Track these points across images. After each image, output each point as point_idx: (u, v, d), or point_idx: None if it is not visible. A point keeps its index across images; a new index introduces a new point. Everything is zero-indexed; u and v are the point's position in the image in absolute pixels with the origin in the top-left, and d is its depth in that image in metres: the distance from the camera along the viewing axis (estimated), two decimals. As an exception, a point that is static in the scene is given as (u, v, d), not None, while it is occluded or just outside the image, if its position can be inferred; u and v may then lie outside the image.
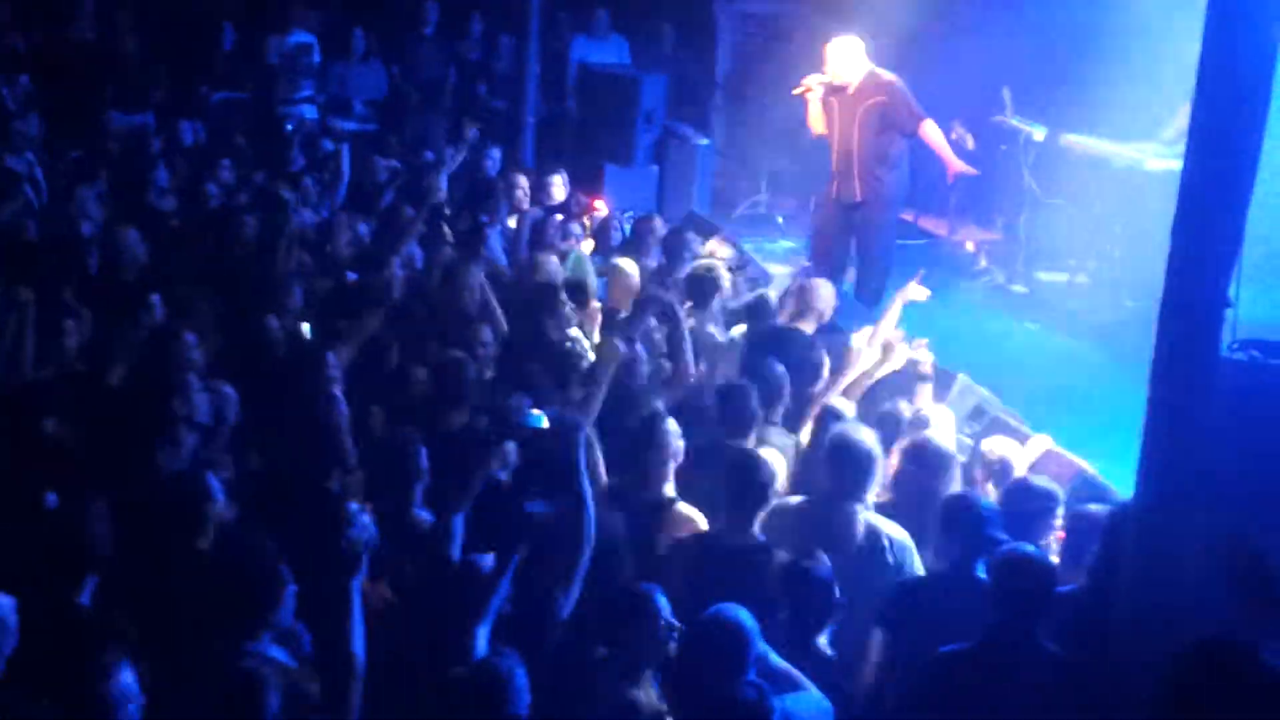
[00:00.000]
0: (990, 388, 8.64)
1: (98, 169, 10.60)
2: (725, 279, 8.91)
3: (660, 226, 10.45)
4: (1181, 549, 5.00)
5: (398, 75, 14.59)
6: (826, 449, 6.34)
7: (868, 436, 6.29)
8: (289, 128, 12.85)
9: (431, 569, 5.39)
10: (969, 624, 5.27)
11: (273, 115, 13.55)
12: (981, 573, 5.57)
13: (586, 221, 11.54)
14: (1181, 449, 5.04)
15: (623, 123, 13.11)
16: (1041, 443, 7.46)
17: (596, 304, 8.94)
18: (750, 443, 6.74)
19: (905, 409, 7.39)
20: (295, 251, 8.94)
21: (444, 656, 4.94)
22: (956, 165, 10.41)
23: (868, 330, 8.04)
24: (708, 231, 10.87)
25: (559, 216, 11.06)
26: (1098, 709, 5.01)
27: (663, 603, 5.11)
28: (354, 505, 5.30)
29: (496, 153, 12.54)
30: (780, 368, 7.28)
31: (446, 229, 10.12)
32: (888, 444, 6.87)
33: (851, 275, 10.44)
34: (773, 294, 9.19)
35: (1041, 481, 6.46)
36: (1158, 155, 10.49)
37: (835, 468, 6.20)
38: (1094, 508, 6.22)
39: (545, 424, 5.96)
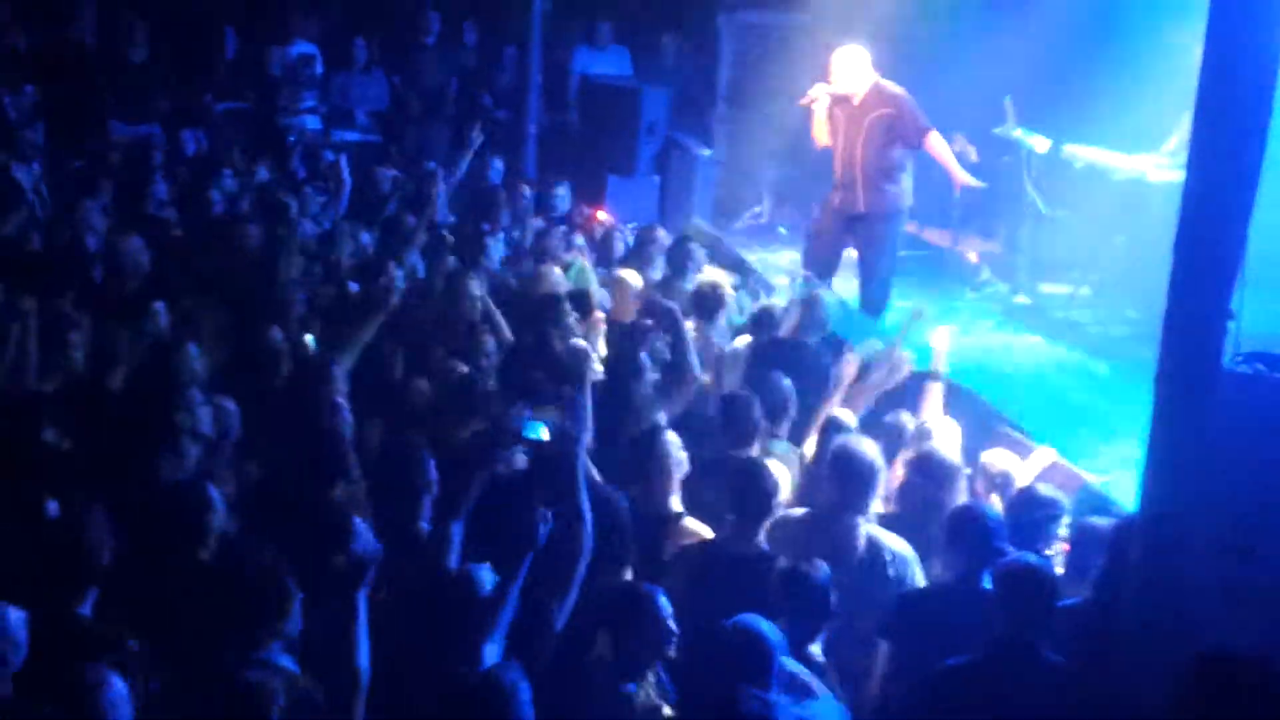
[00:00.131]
0: (993, 400, 8.63)
1: (101, 180, 10.61)
2: (730, 294, 8.92)
3: (663, 237, 10.46)
4: (1186, 561, 4.99)
5: (399, 85, 14.60)
6: (829, 461, 6.35)
7: (870, 448, 6.29)
8: (291, 139, 12.88)
9: (429, 578, 5.38)
10: (975, 635, 5.27)
11: (275, 126, 13.57)
12: (988, 584, 5.56)
13: (589, 231, 11.55)
14: (1185, 461, 5.04)
15: (625, 134, 13.14)
16: (1045, 455, 7.46)
17: (600, 314, 8.94)
18: (754, 454, 6.73)
19: (909, 420, 7.38)
20: (297, 261, 8.94)
21: (450, 670, 4.93)
22: (963, 178, 10.40)
23: (873, 342, 8.04)
24: (708, 243, 10.88)
25: (562, 227, 11.08)
26: (1103, 721, 5.02)
27: (664, 604, 5.11)
28: (357, 520, 5.31)
29: (499, 163, 12.56)
30: (787, 382, 7.26)
31: (449, 238, 10.13)
32: (891, 455, 6.88)
33: (852, 285, 10.43)
34: (779, 302, 9.21)
35: (1047, 490, 6.46)
36: (1160, 167, 10.48)
37: (837, 479, 6.20)
38: (1098, 520, 6.21)
39: (545, 435, 5.96)
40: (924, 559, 6.13)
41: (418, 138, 14.19)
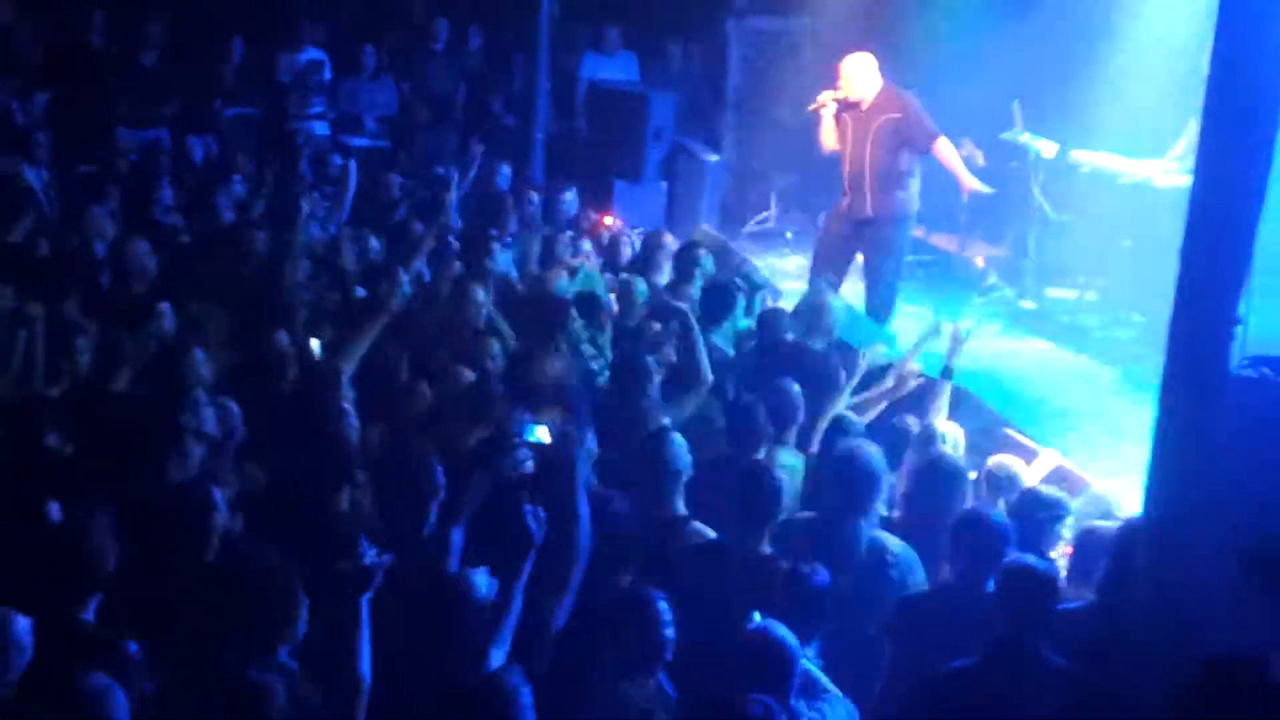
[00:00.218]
0: (999, 404, 8.64)
1: (109, 185, 10.63)
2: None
3: (670, 242, 10.47)
4: (1191, 565, 4.99)
5: (408, 92, 14.62)
6: (832, 464, 6.35)
7: (874, 452, 6.30)
8: (300, 141, 12.90)
9: (427, 581, 5.39)
10: (977, 638, 5.26)
11: (284, 131, 13.59)
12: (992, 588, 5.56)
13: (597, 236, 11.56)
14: (1191, 465, 5.04)
15: (632, 139, 13.15)
16: (1051, 458, 7.46)
17: (609, 321, 8.96)
18: (759, 458, 6.73)
19: (914, 423, 7.39)
20: (304, 265, 8.96)
21: (453, 675, 4.94)
22: (971, 183, 10.40)
23: (879, 347, 8.05)
24: (717, 248, 10.89)
25: (569, 233, 11.09)
26: (1107, 725, 5.02)
27: (665, 609, 5.11)
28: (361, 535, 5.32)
29: (507, 169, 12.57)
30: (796, 388, 7.25)
31: (455, 244, 10.14)
32: (896, 458, 6.88)
33: (859, 290, 10.43)
34: (785, 306, 9.21)
35: (1050, 491, 6.46)
36: (1167, 172, 10.48)
37: (840, 482, 6.21)
38: (1101, 524, 6.22)
39: (546, 438, 5.97)
40: (931, 563, 6.13)
41: (426, 144, 14.21)
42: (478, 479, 5.75)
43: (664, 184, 13.40)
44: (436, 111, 14.52)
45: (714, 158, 13.53)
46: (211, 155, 12.64)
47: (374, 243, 9.84)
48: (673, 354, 7.90)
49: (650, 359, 7.64)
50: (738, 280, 9.84)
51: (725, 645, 5.18)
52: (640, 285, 9.39)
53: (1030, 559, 5.37)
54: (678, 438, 6.37)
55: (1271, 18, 4.84)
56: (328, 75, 14.23)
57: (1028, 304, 11.51)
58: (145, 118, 13.03)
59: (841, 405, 7.48)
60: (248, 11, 14.34)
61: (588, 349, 8.18)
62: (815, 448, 7.21)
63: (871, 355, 8.01)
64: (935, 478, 6.48)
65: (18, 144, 11.30)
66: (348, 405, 6.74)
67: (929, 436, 7.17)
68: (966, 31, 11.79)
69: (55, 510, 5.46)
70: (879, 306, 10.14)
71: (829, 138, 10.25)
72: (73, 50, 13.26)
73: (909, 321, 10.37)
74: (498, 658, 5.07)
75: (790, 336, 8.41)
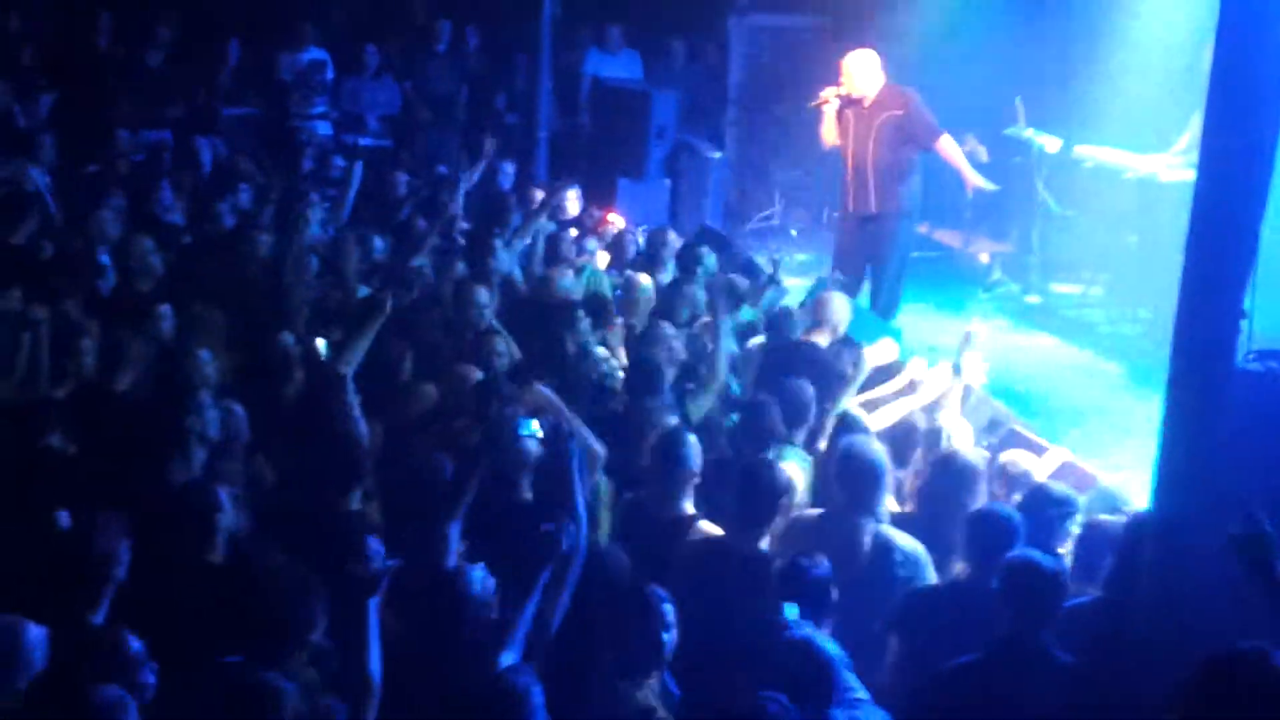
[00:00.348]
0: (1005, 400, 8.63)
1: (111, 186, 10.63)
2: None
3: (674, 240, 10.47)
4: (1198, 560, 4.98)
5: (410, 91, 14.63)
6: (837, 460, 6.35)
7: (878, 448, 6.31)
8: (303, 139, 12.91)
9: (426, 579, 5.39)
10: (984, 634, 5.26)
11: (286, 131, 13.60)
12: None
13: (600, 234, 11.57)
14: (1197, 460, 5.04)
15: (635, 137, 13.16)
16: (1059, 454, 7.46)
17: (619, 320, 8.96)
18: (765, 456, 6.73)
19: (921, 420, 7.38)
20: (309, 265, 8.95)
21: (460, 676, 4.95)
22: (975, 180, 10.39)
23: (886, 342, 8.04)
24: (720, 245, 10.89)
25: (573, 231, 11.09)
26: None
27: (667, 608, 5.11)
28: (370, 537, 5.32)
29: (510, 167, 12.57)
30: (810, 390, 7.23)
31: (460, 242, 10.14)
32: (902, 455, 6.87)
33: (864, 285, 10.43)
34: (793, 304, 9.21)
35: (1059, 488, 6.45)
36: (1172, 166, 10.47)
37: (845, 479, 6.22)
38: (1105, 518, 6.21)
39: (539, 432, 5.98)
40: (944, 560, 6.13)
41: (428, 143, 14.22)
42: (473, 474, 5.76)
43: (667, 181, 13.41)
44: (438, 111, 14.52)
45: (717, 155, 13.53)
46: (219, 156, 12.64)
47: (378, 242, 9.84)
48: (683, 352, 7.88)
49: (663, 357, 7.61)
50: (741, 274, 9.85)
51: (732, 644, 5.17)
52: (645, 283, 9.39)
53: (1035, 554, 5.35)
54: (691, 437, 6.37)
55: (1274, 12, 4.83)
56: (330, 75, 14.24)
57: (1033, 299, 11.52)
58: (150, 119, 13.04)
59: (847, 402, 7.47)
60: (252, 12, 14.34)
61: (600, 350, 8.16)
62: (823, 445, 7.20)
63: (876, 351, 7.98)
64: (950, 474, 6.48)
65: (22, 146, 11.30)
66: (356, 408, 6.73)
67: (934, 434, 7.17)
68: (969, 27, 11.79)
69: (65, 518, 5.45)
70: (884, 302, 10.14)
71: (830, 134, 10.25)
72: (79, 52, 13.26)
73: (913, 317, 10.38)
74: (508, 662, 5.06)
75: (797, 334, 8.41)
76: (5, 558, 5.27)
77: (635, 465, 6.64)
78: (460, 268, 9.33)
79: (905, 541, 6.06)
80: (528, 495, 6.18)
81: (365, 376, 7.28)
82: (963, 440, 7.18)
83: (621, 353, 8.38)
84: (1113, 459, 7.90)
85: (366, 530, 5.50)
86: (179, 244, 9.61)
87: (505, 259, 9.60)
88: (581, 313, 8.26)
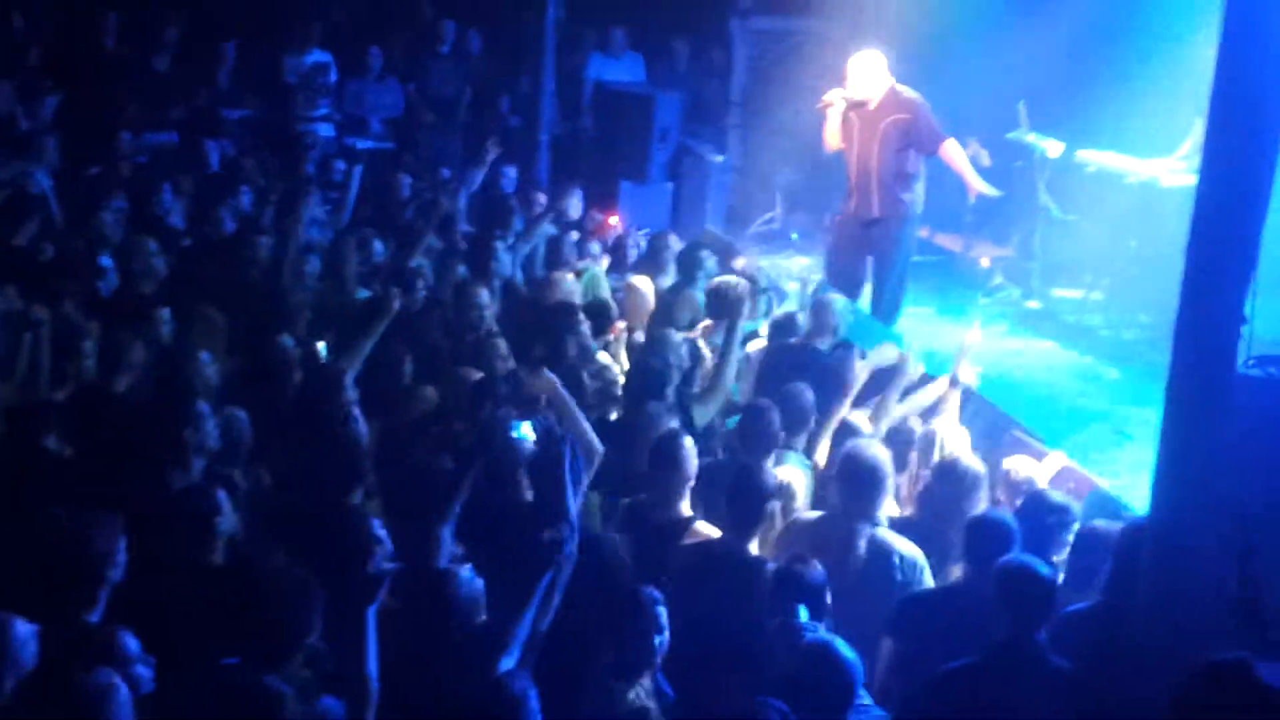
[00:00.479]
0: (1005, 404, 8.63)
1: (114, 189, 10.62)
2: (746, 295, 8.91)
3: (675, 243, 10.47)
4: (1197, 565, 4.98)
5: (413, 93, 14.63)
6: (837, 465, 6.36)
7: (879, 453, 6.30)
8: (307, 141, 12.90)
9: (418, 580, 5.39)
10: (980, 639, 5.26)
11: (289, 133, 13.59)
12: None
13: (602, 237, 11.57)
14: (1197, 465, 5.04)
15: (638, 140, 13.17)
16: (1057, 460, 7.45)
17: (621, 325, 8.95)
18: (768, 464, 6.73)
19: (917, 425, 7.38)
20: (310, 267, 8.96)
21: (456, 679, 4.94)
22: (978, 185, 10.38)
23: (887, 346, 8.04)
24: (722, 249, 10.88)
25: (574, 234, 11.09)
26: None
27: (660, 610, 5.11)
28: (378, 533, 5.31)
29: (512, 170, 12.57)
30: (811, 395, 7.24)
31: (462, 245, 10.14)
32: (899, 460, 6.87)
33: (867, 291, 10.43)
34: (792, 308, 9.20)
35: (1057, 496, 6.45)
36: (1173, 171, 10.48)
37: (844, 484, 6.22)
38: (1101, 524, 6.21)
39: (531, 434, 5.99)
40: (943, 565, 6.12)
41: (431, 146, 14.21)
42: (466, 475, 5.76)
43: (669, 185, 13.41)
44: (441, 113, 14.52)
45: (719, 158, 13.53)
46: (227, 158, 12.63)
47: (377, 244, 9.84)
48: (688, 359, 7.87)
49: (671, 364, 7.61)
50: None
51: (727, 645, 5.16)
52: (646, 287, 9.39)
53: (1029, 559, 5.36)
54: (688, 440, 6.38)
55: (1277, 18, 4.83)
56: (333, 77, 14.24)
57: (1033, 304, 11.52)
58: (154, 121, 13.03)
59: (848, 408, 7.46)
60: (255, 14, 14.34)
61: (601, 356, 8.16)
62: (821, 449, 7.20)
63: (877, 356, 7.97)
64: (953, 479, 6.47)
65: (25, 147, 11.30)
66: (355, 407, 6.74)
67: (929, 439, 7.17)
68: (972, 31, 11.79)
69: (65, 519, 5.44)
70: (885, 307, 10.14)
71: (833, 137, 10.24)
72: (85, 53, 13.26)
73: (914, 321, 10.38)
74: (506, 667, 5.05)
75: (795, 339, 8.41)
76: (2, 558, 5.26)
77: (633, 469, 6.63)
78: (461, 270, 9.34)
79: (902, 546, 6.06)
80: (526, 495, 6.18)
81: (366, 378, 7.31)
82: (959, 446, 7.17)
83: (623, 356, 8.37)
84: (1112, 464, 7.90)
85: (371, 527, 5.47)
86: (179, 247, 9.60)
87: (507, 261, 9.61)
88: (583, 316, 8.26)
